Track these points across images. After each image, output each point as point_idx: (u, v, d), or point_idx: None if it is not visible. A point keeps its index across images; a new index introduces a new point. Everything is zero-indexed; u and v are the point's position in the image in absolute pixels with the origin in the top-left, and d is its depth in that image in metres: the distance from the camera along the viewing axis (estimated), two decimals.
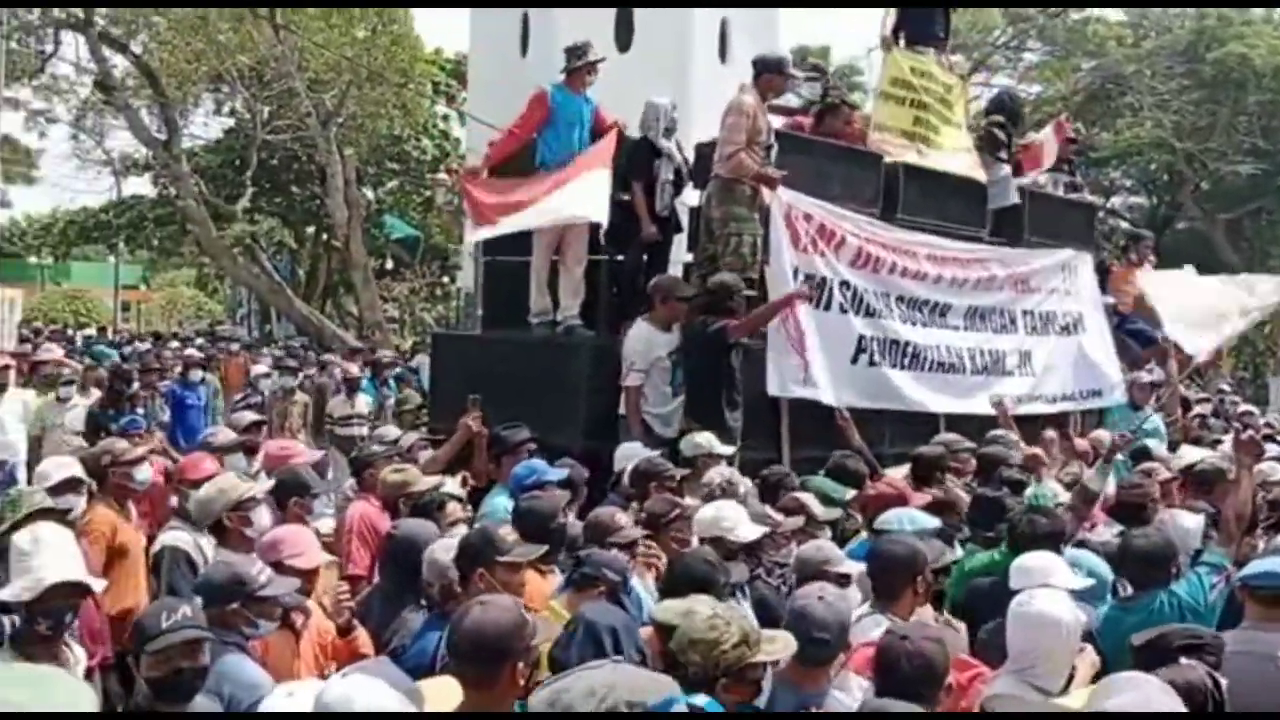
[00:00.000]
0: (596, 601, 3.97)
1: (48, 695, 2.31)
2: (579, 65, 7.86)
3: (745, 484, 5.87)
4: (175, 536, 5.35)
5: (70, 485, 5.42)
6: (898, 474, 6.78)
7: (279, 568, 4.21)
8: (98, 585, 4.05)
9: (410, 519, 5.26)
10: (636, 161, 7.85)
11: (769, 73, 7.79)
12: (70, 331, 27.15)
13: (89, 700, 2.63)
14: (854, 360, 8.20)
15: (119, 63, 22.84)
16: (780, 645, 3.53)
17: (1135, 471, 6.89)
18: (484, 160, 8.24)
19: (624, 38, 21.70)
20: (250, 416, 8.20)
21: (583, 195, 7.43)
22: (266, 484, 5.56)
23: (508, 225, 7.65)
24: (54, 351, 12.33)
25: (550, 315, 7.98)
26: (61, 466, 5.59)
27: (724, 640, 3.31)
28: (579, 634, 3.52)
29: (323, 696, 2.73)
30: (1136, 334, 10.84)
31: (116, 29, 22.15)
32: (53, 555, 3.79)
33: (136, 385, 11.22)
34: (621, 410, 7.31)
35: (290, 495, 5.56)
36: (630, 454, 6.43)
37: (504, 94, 15.91)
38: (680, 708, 2.81)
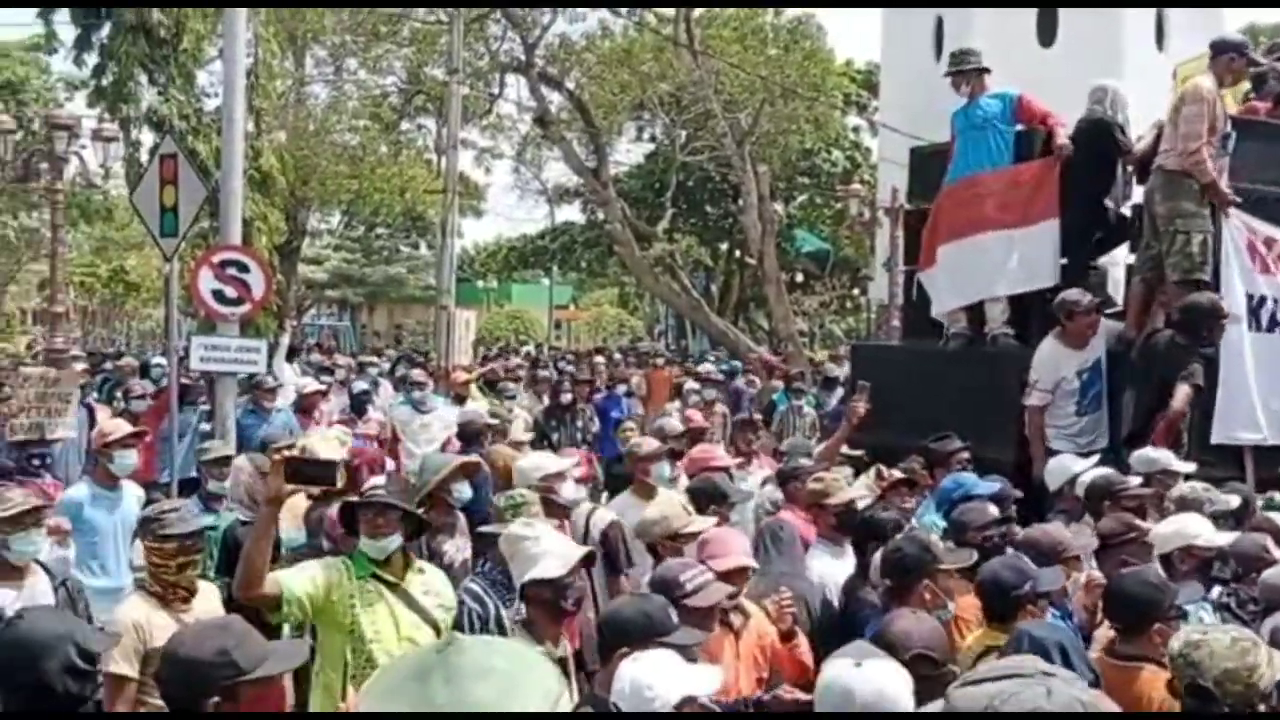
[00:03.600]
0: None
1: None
2: (949, 72, 7.68)
3: (1225, 500, 5.35)
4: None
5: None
6: None
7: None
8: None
9: None
10: (1096, 149, 7.38)
11: (1228, 55, 7.06)
12: (509, 347, 29.72)
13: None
14: None
15: (555, 99, 24.74)
16: None
17: None
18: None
19: (1047, 33, 20.64)
20: (677, 425, 8.53)
21: (1032, 260, 7.35)
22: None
23: (963, 285, 7.65)
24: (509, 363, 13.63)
25: (963, 324, 7.73)
26: (538, 469, 6.02)
27: (1258, 663, 2.97)
28: (1024, 650, 3.32)
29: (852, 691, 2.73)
30: None
31: (553, 68, 24.01)
32: (553, 538, 4.09)
33: (570, 397, 12.10)
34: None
35: (709, 503, 5.74)
36: (1062, 469, 6.10)
37: (917, 100, 15.67)
38: None
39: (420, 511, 4.34)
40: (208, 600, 4.59)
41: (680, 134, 27.67)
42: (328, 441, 6.82)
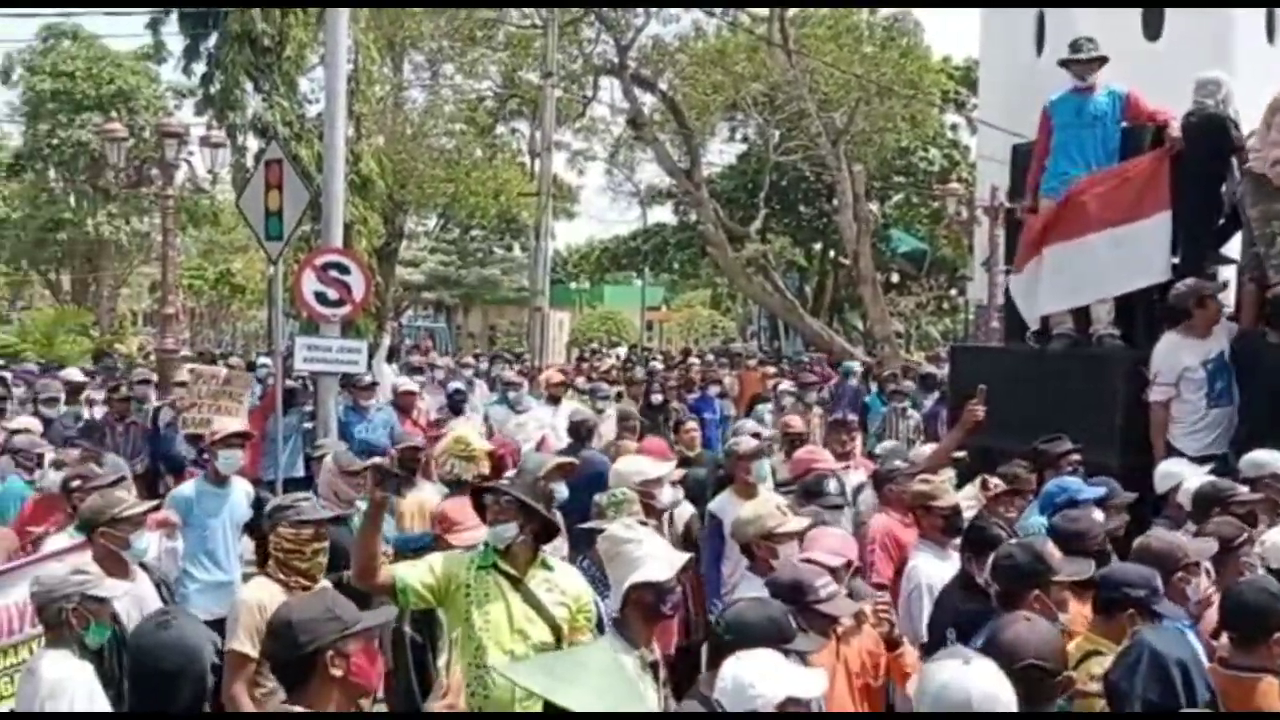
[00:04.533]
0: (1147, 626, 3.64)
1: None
2: (1069, 59, 7.47)
3: None
4: None
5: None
6: None
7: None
8: None
9: None
10: (1209, 143, 7.15)
11: None
12: (600, 349, 29.83)
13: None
14: None
15: (647, 100, 24.80)
16: None
17: None
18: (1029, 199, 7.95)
19: (1153, 26, 20.09)
20: (755, 426, 8.53)
21: (1143, 257, 7.16)
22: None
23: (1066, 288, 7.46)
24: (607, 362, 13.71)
25: (1069, 325, 7.54)
26: (638, 473, 6.04)
27: None
28: (1143, 663, 3.22)
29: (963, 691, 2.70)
30: None
31: (646, 70, 24.07)
32: (655, 541, 4.10)
33: (661, 397, 12.12)
34: None
35: (810, 501, 5.74)
36: (1171, 474, 5.92)
37: (1017, 97, 15.34)
38: None
39: (540, 507, 4.36)
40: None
41: (774, 134, 27.51)
42: (475, 434, 7.10)
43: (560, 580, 4.37)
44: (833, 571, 4.23)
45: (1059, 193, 7.46)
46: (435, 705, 3.54)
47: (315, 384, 9.57)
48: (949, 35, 34.43)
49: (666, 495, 5.99)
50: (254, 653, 4.37)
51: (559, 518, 5.59)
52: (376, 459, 4.48)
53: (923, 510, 5.64)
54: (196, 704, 3.30)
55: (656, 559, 3.90)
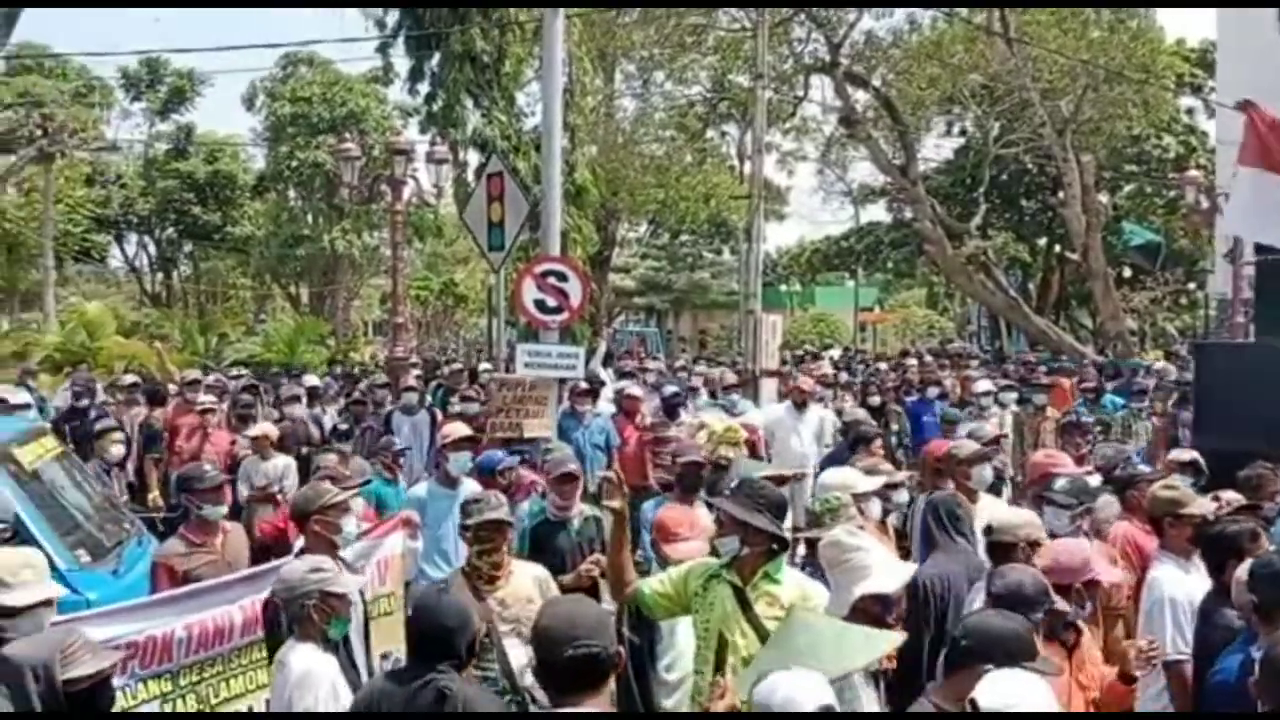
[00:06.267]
0: None
1: None
2: None
3: None
4: None
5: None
6: None
7: None
8: None
9: None
10: None
11: None
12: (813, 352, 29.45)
13: None
14: None
15: (860, 98, 24.35)
16: None
17: None
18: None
19: None
20: (990, 430, 8.18)
21: None
22: None
23: None
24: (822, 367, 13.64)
25: None
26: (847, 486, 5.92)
27: None
28: None
29: None
30: None
31: (858, 66, 23.64)
32: (881, 551, 4.09)
33: (879, 399, 11.83)
34: None
35: (1045, 505, 5.64)
36: None
37: (1260, 78, 14.28)
38: None
39: (757, 520, 4.30)
40: (520, 579, 5.06)
41: (993, 126, 26.55)
42: (730, 429, 7.22)
43: (783, 594, 4.25)
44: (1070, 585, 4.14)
45: None
46: (717, 706, 3.60)
47: None
48: (1182, 17, 32.38)
49: (875, 510, 5.92)
50: None
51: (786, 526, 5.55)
52: (609, 471, 4.54)
53: (1170, 519, 5.31)
54: (470, 654, 3.77)
55: (885, 570, 3.86)
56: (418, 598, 4.21)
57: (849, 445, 8.37)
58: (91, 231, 36.00)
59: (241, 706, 5.09)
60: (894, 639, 3.62)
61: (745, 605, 4.19)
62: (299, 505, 5.27)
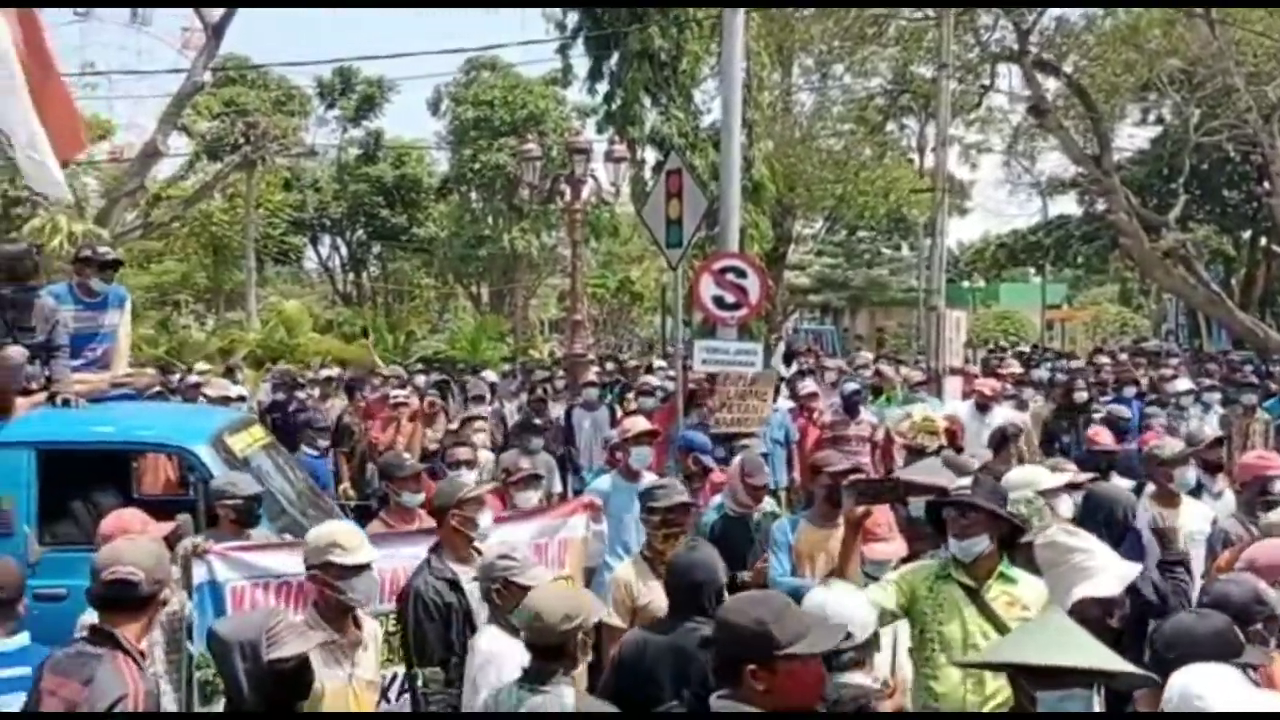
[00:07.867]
0: None
1: None
2: None
3: None
4: None
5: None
6: None
7: None
8: None
9: None
10: None
11: None
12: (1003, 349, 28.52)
13: None
14: None
15: (1050, 86, 23.40)
16: None
17: None
18: None
19: None
20: (1209, 432, 7.76)
21: None
22: None
23: None
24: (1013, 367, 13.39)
25: None
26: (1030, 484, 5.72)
27: None
28: None
29: None
30: None
31: (1048, 53, 22.74)
32: (1106, 552, 4.02)
33: (1085, 395, 11.34)
34: None
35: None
36: None
37: None
38: None
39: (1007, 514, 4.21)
40: None
41: (1193, 113, 25.12)
42: (928, 419, 7.14)
43: (1022, 593, 4.13)
44: None
45: None
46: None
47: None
48: None
49: (1064, 509, 5.63)
50: (623, 625, 5.01)
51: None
52: (856, 478, 4.60)
53: None
54: (715, 605, 3.80)
55: (1109, 572, 3.73)
56: (673, 556, 4.57)
57: (992, 446, 8.12)
58: (289, 234, 37.85)
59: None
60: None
61: (980, 605, 4.09)
62: (438, 499, 5.37)
